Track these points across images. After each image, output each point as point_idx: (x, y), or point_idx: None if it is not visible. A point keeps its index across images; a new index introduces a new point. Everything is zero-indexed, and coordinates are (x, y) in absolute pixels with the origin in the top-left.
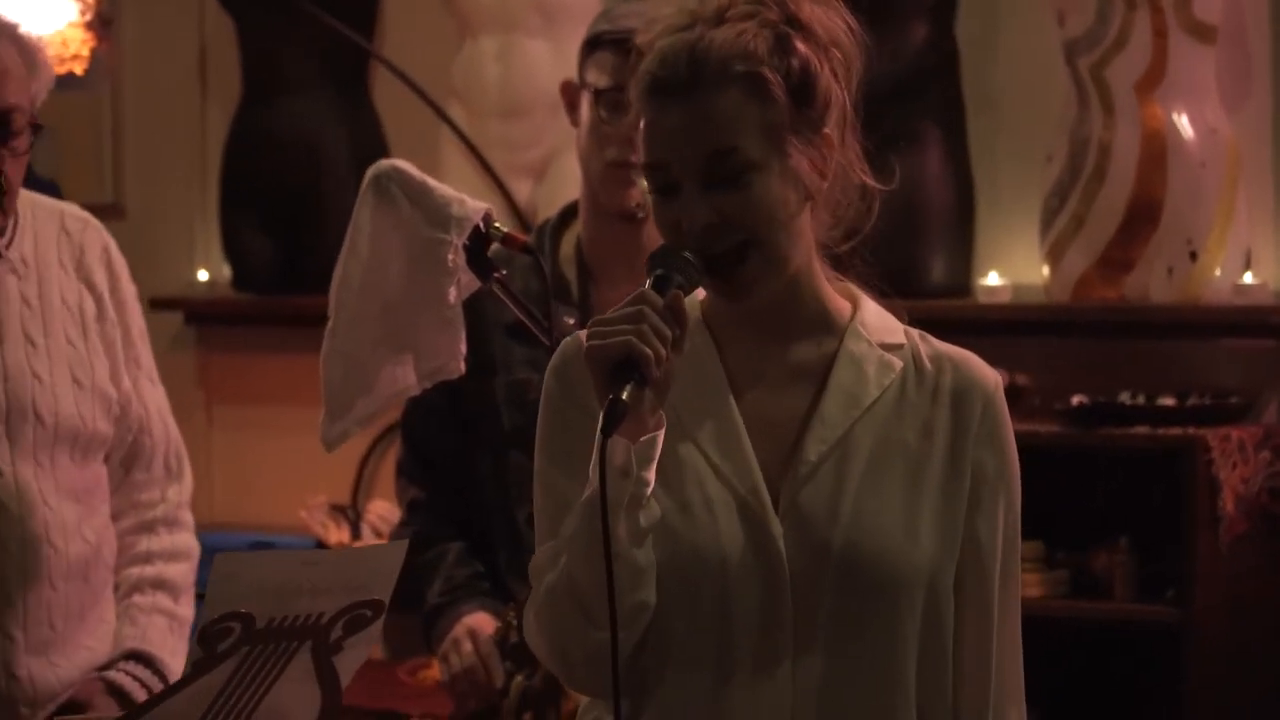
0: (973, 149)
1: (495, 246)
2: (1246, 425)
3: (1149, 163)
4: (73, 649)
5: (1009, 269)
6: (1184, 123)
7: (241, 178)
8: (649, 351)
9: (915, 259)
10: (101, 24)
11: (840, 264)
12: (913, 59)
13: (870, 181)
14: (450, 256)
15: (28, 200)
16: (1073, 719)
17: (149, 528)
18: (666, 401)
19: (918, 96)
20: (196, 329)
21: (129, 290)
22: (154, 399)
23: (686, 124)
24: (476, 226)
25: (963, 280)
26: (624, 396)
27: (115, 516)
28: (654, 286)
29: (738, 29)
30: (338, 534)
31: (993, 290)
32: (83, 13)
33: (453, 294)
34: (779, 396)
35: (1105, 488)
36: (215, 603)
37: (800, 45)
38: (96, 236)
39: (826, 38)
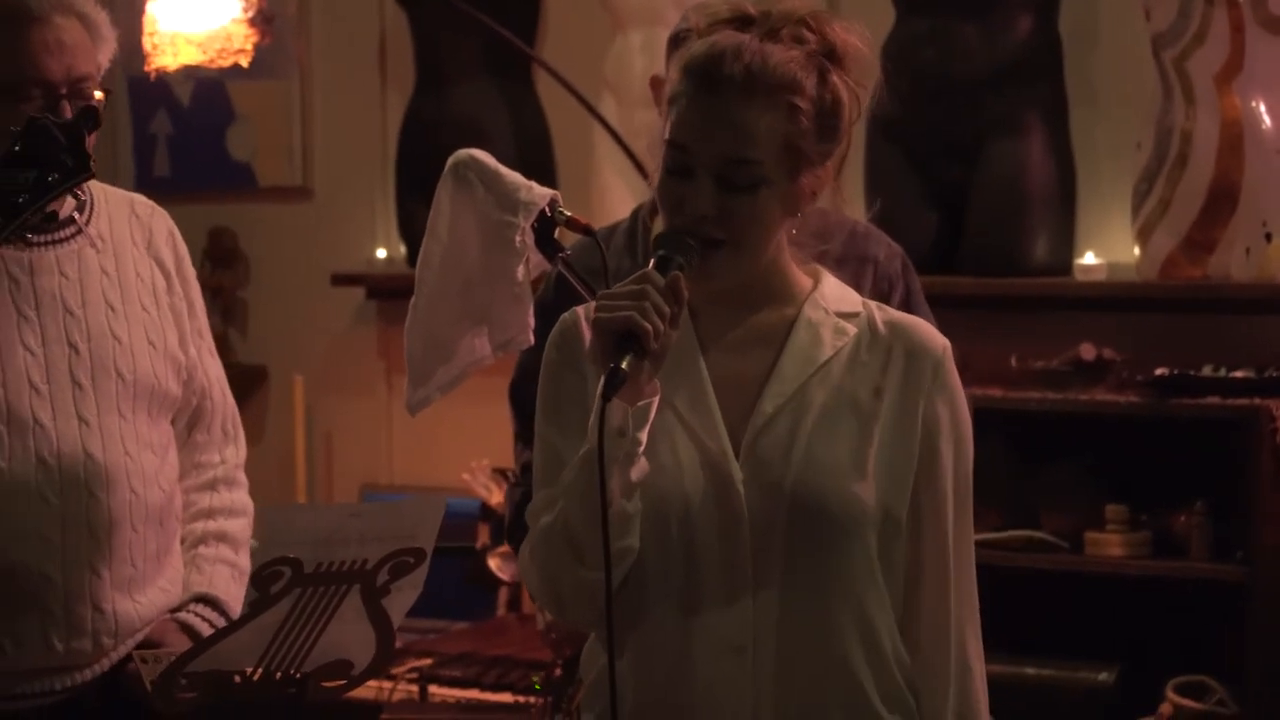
0: (1074, 137)
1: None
2: None
3: (1227, 149)
4: (151, 588)
5: (1104, 249)
6: (1260, 111)
7: (416, 161)
8: (649, 326)
9: (1020, 240)
10: (264, 20)
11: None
12: (1018, 51)
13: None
14: (518, 238)
15: (100, 187)
16: (1152, 670)
17: (210, 486)
18: None
19: (1023, 87)
20: (377, 304)
21: (191, 271)
22: (214, 369)
23: (719, 123)
24: (543, 210)
25: (1064, 259)
26: (624, 365)
27: (180, 476)
28: (657, 267)
29: (791, 55)
30: (499, 495)
31: (1089, 269)
32: (245, 9)
33: (521, 272)
34: (744, 358)
35: (1184, 454)
36: (267, 549)
37: (836, 83)
38: (163, 221)
39: (856, 73)
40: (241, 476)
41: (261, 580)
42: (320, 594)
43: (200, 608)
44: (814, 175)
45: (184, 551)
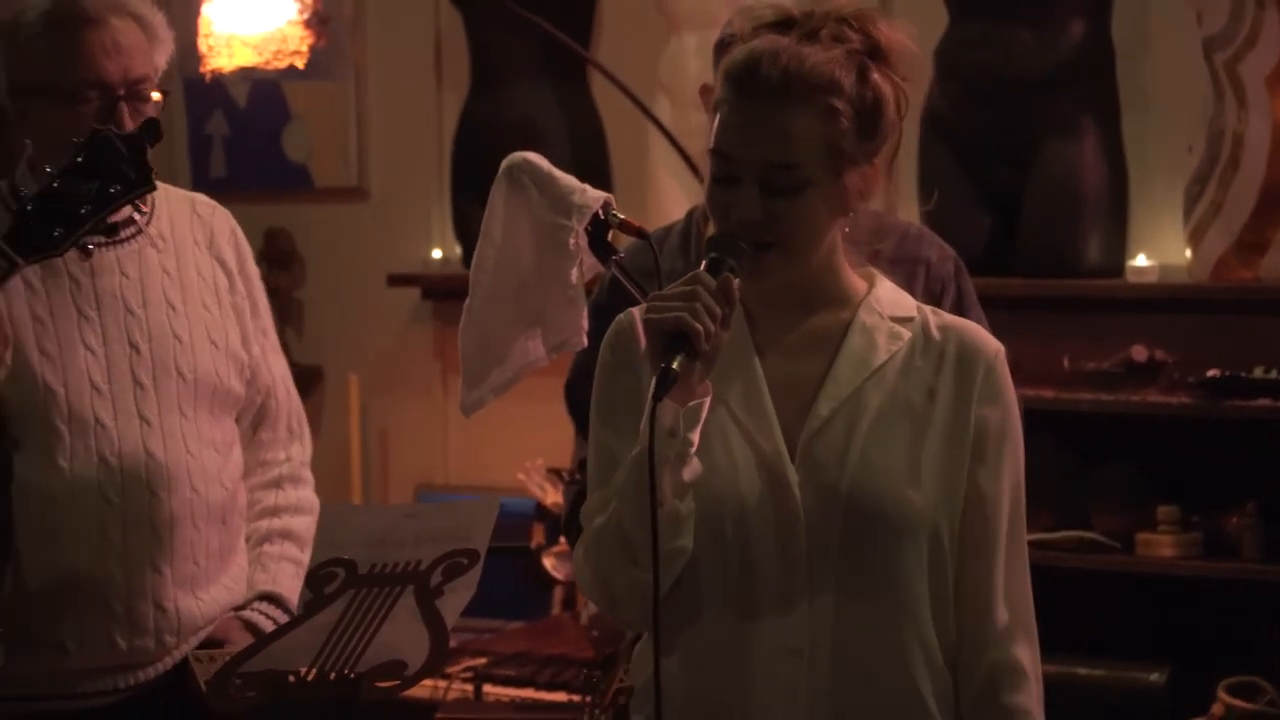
0: (1126, 140)
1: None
2: None
3: (1278, 151)
4: (214, 586)
5: (1156, 251)
6: None
7: (471, 162)
8: (699, 327)
9: (1073, 242)
10: (319, 21)
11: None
12: (1071, 54)
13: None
14: (571, 240)
15: (161, 187)
16: (1203, 670)
17: (276, 484)
18: None
19: (1076, 90)
20: (432, 304)
21: (254, 269)
22: (278, 367)
23: (758, 128)
24: (596, 213)
25: (1116, 261)
26: (674, 366)
27: (245, 474)
28: (709, 269)
29: (829, 55)
30: (554, 495)
31: (1141, 271)
32: (300, 11)
33: (574, 274)
34: (799, 361)
35: (1236, 456)
36: (321, 550)
37: (878, 80)
38: (225, 220)
39: (901, 69)
40: (307, 474)
41: (316, 581)
42: (374, 595)
43: (264, 605)
44: (859, 174)
45: (249, 549)
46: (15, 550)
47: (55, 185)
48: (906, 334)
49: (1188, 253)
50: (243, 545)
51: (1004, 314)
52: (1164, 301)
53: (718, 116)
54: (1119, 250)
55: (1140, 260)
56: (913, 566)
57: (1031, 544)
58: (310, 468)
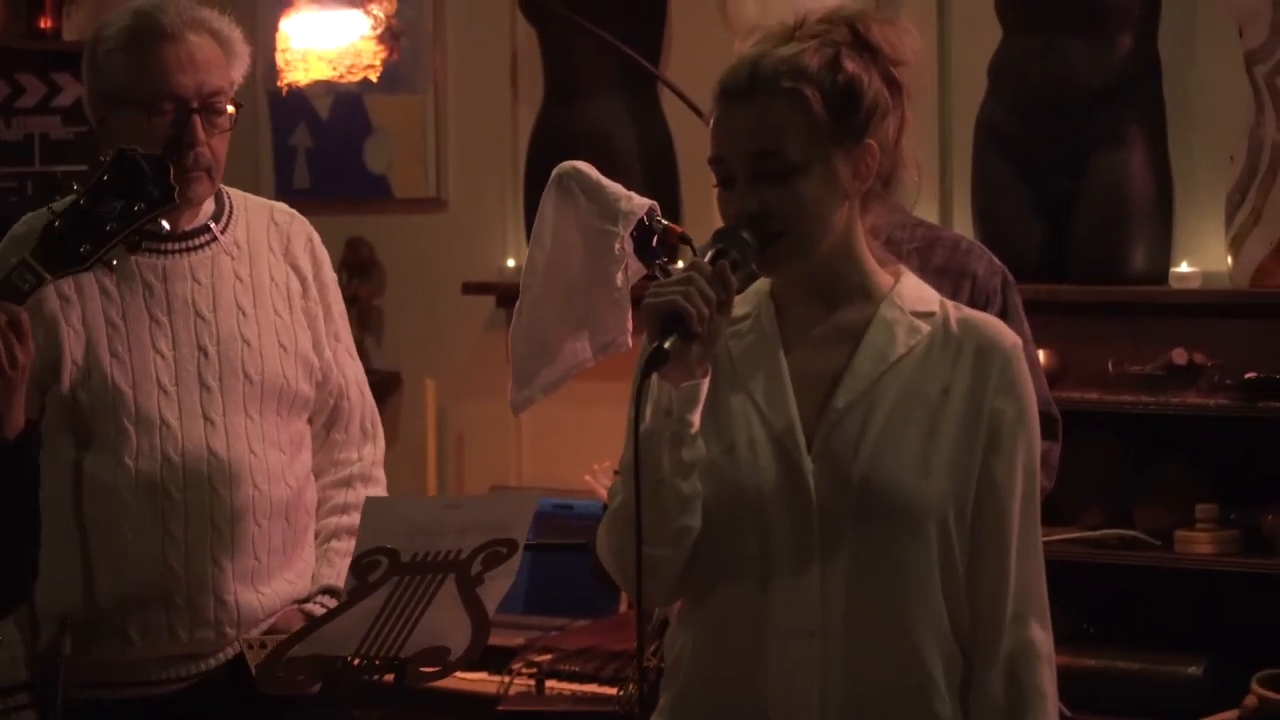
0: (1171, 150)
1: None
2: None
3: None
4: (277, 580)
5: (1199, 258)
6: None
7: (544, 174)
8: (692, 309)
9: (1120, 249)
10: (392, 36)
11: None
12: (1120, 67)
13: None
14: (618, 245)
15: (240, 196)
16: (1240, 663)
17: (347, 483)
18: (730, 360)
19: (1124, 101)
20: (506, 311)
21: (330, 276)
22: (352, 370)
23: (741, 126)
24: (641, 220)
25: (1161, 268)
26: (666, 345)
27: (317, 473)
28: (711, 259)
29: (799, 47)
30: None
31: (1183, 277)
32: (374, 27)
33: (620, 278)
34: (822, 354)
35: (1273, 455)
36: (365, 539)
37: (849, 64)
38: (302, 228)
39: (891, 56)
40: (379, 474)
41: (360, 569)
42: (417, 582)
43: (326, 599)
44: (848, 155)
45: (317, 545)
46: (85, 545)
47: (81, 203)
48: (926, 328)
49: (1229, 259)
50: (310, 541)
51: (1056, 319)
52: (1205, 307)
53: (711, 128)
54: (1164, 257)
55: (1183, 267)
56: (922, 553)
57: (1076, 541)
58: (385, 469)
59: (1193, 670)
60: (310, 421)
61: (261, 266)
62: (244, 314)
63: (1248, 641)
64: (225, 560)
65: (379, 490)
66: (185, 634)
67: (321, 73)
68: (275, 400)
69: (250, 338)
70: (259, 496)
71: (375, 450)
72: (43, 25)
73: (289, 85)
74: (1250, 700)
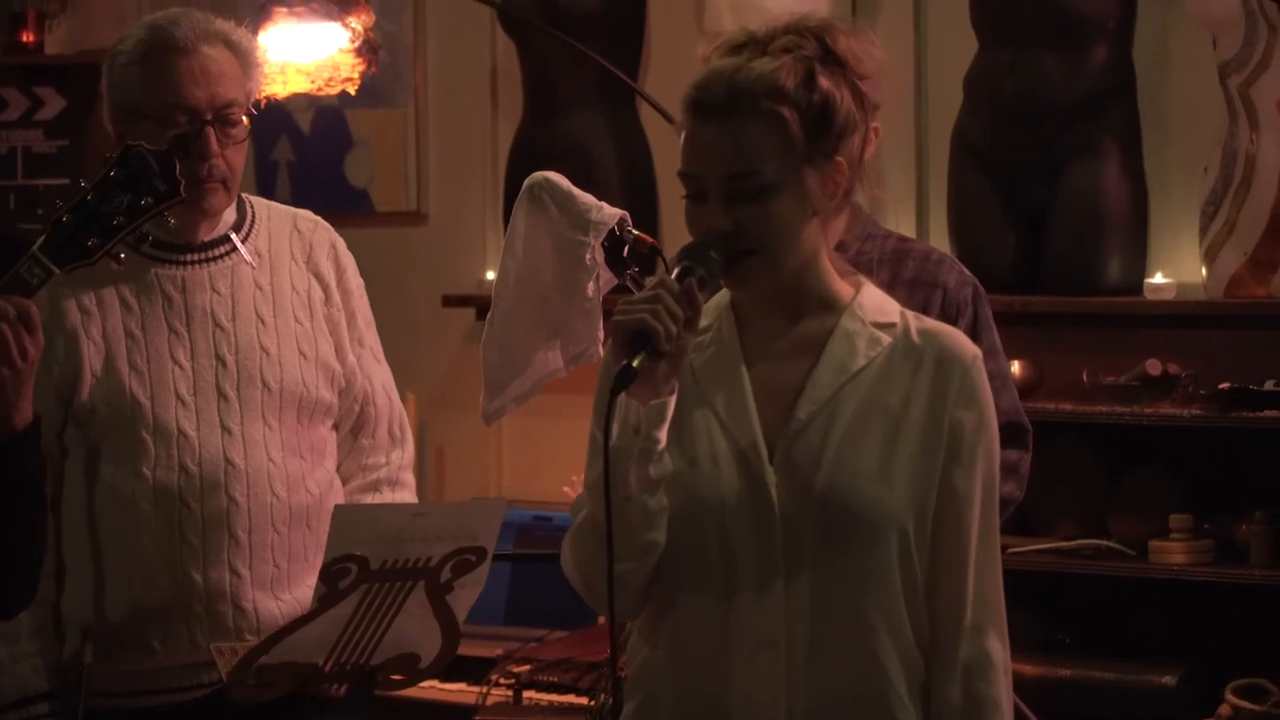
0: (1146, 161)
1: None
2: None
3: None
4: (297, 586)
5: (1173, 269)
6: None
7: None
8: (660, 327)
9: (1095, 259)
10: (370, 49)
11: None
12: (1094, 79)
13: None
14: (589, 255)
15: (264, 204)
16: (1214, 672)
17: (374, 487)
18: (691, 373)
19: (1099, 113)
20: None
21: (355, 282)
22: (378, 375)
23: (717, 144)
24: (613, 230)
25: (1135, 279)
26: (634, 363)
27: (345, 479)
28: (678, 276)
29: (775, 64)
30: None
31: (1158, 288)
32: (352, 40)
33: (591, 288)
34: (784, 366)
35: (1246, 465)
36: (333, 547)
37: (824, 81)
38: (325, 235)
39: (858, 70)
40: (407, 477)
41: (329, 576)
42: (386, 589)
43: None
44: (819, 173)
45: None
46: (103, 556)
47: (89, 198)
48: (886, 339)
49: (1203, 270)
50: None
51: (1029, 329)
52: (1180, 318)
53: (682, 141)
54: (1138, 268)
55: (1158, 278)
56: (884, 562)
57: (1050, 551)
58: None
59: (1167, 680)
60: (336, 427)
61: (283, 274)
62: (263, 323)
63: (1222, 651)
64: (243, 568)
65: (407, 494)
66: (205, 642)
67: (299, 85)
68: (295, 408)
69: (269, 346)
70: (278, 504)
71: (403, 455)
72: (25, 39)
73: (267, 98)
74: (1224, 710)
